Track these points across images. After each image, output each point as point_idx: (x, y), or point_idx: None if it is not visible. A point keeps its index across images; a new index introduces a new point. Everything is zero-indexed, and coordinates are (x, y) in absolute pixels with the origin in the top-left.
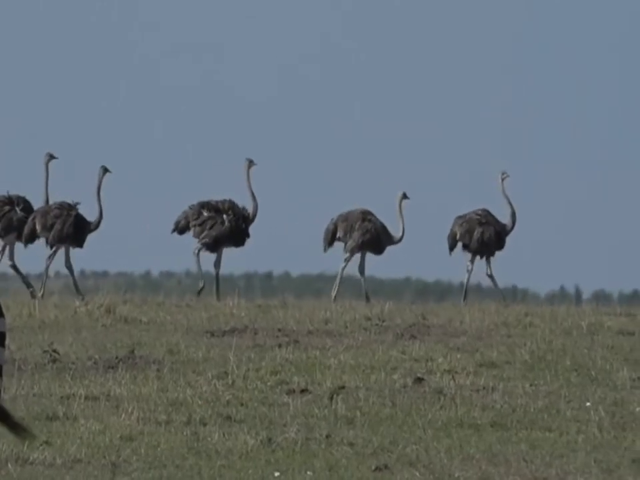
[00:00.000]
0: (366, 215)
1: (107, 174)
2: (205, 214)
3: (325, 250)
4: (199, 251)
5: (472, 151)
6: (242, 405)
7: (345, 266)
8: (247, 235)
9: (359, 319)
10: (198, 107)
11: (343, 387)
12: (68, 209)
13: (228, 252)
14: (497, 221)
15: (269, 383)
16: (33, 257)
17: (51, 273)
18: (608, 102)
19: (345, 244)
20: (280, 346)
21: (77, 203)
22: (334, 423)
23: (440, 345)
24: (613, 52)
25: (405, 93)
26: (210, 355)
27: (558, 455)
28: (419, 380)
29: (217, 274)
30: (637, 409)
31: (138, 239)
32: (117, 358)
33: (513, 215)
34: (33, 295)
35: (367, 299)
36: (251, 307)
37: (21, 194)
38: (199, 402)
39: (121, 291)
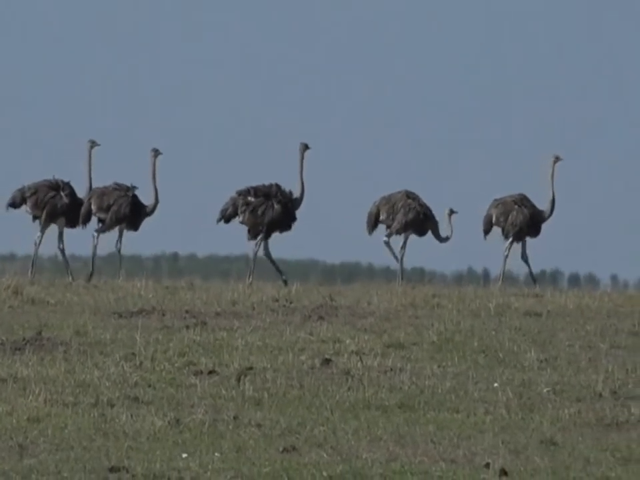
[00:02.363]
0: (409, 196)
1: (160, 156)
2: (253, 199)
3: (370, 233)
4: (258, 240)
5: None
6: (149, 386)
7: (404, 252)
8: (294, 219)
9: (266, 301)
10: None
11: (251, 368)
12: (126, 189)
13: (131, 233)
14: (533, 206)
15: (176, 364)
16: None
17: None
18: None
19: (388, 227)
20: (187, 327)
21: (135, 187)
22: (241, 404)
23: (347, 327)
24: None
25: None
26: (117, 337)
27: (465, 436)
28: (327, 361)
29: (272, 259)
30: (544, 390)
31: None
32: (24, 339)
33: (553, 201)
34: (73, 280)
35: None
36: (159, 288)
37: (66, 179)
38: (107, 383)
39: (28, 273)
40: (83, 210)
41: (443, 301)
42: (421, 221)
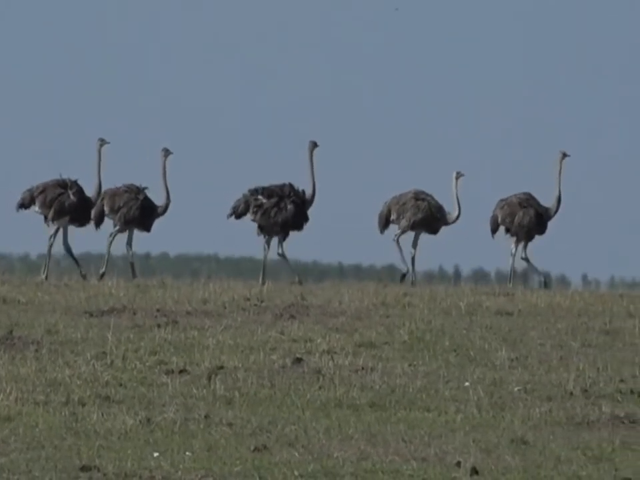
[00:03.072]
0: (419, 195)
1: (170, 155)
2: (265, 199)
3: (382, 232)
4: (269, 238)
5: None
6: (121, 385)
7: (415, 252)
8: (307, 219)
9: (237, 299)
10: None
11: (222, 367)
12: (136, 191)
13: (104, 232)
14: (539, 205)
15: (147, 363)
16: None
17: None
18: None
19: (399, 226)
20: (159, 326)
21: (145, 187)
22: (212, 403)
23: (319, 326)
24: None
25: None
26: (88, 335)
27: (437, 435)
28: (298, 360)
29: (285, 258)
30: (515, 389)
31: (16, 222)
32: None
33: (558, 198)
34: (84, 277)
35: (402, 280)
36: (130, 287)
37: (73, 178)
38: (78, 382)
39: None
40: (96, 211)
41: (414, 300)
42: (432, 220)
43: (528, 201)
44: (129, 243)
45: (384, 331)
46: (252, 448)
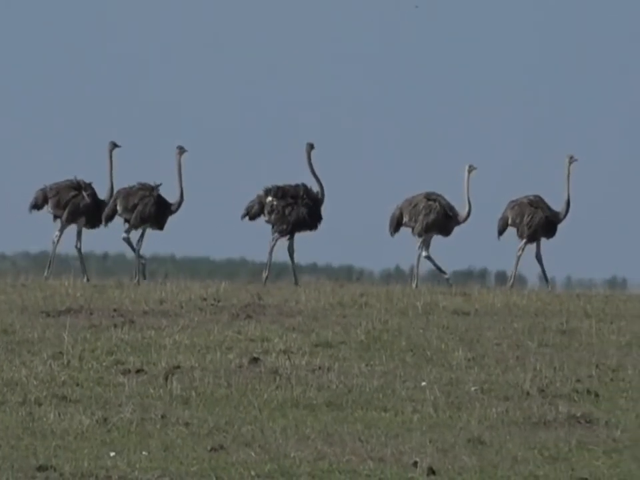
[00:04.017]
0: (430, 196)
1: (185, 153)
2: (279, 200)
3: (392, 235)
4: (277, 237)
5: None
6: (77, 385)
7: (421, 253)
8: (321, 219)
9: (194, 299)
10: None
11: (178, 367)
12: (150, 189)
13: (66, 231)
14: (549, 207)
15: (104, 363)
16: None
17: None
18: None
19: (412, 229)
20: (115, 326)
21: (159, 185)
22: (169, 403)
23: (275, 325)
24: None
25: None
26: (45, 335)
27: (393, 435)
28: (255, 360)
29: (292, 259)
30: (472, 389)
31: None
32: None
33: (568, 202)
34: (88, 280)
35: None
36: (87, 287)
37: (87, 180)
38: (34, 382)
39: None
40: (108, 210)
41: (371, 300)
42: (444, 222)
43: (538, 202)
44: (140, 240)
45: (341, 331)
46: (209, 448)
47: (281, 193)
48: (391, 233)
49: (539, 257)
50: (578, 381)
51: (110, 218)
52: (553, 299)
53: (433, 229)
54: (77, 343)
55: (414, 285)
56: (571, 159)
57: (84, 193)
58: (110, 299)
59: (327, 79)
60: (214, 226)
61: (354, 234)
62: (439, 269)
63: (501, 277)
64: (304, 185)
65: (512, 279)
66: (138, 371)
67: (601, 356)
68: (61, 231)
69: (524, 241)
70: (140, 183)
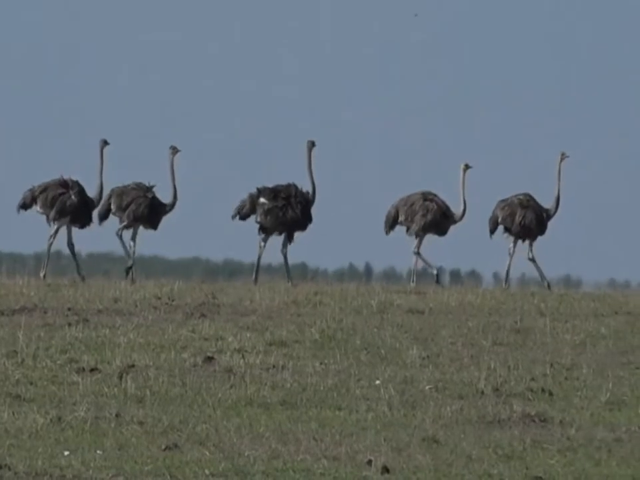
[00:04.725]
0: (427, 196)
1: (178, 153)
2: (271, 201)
3: (387, 234)
4: (265, 237)
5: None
6: (31, 383)
7: (417, 251)
8: (311, 220)
9: (148, 298)
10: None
11: (133, 366)
12: (144, 190)
13: (16, 230)
14: (539, 205)
15: (58, 362)
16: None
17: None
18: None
19: (407, 228)
20: (70, 325)
21: (153, 185)
22: (124, 401)
23: (230, 324)
24: None
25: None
26: None
27: (348, 434)
28: (209, 359)
29: (286, 257)
30: (427, 388)
31: None
32: None
33: (557, 199)
34: (83, 279)
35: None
36: (41, 285)
37: (74, 178)
38: None
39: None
40: (101, 209)
41: (325, 299)
42: (441, 222)
43: (528, 201)
44: (133, 239)
45: (295, 330)
46: (163, 447)
47: (273, 193)
48: (386, 231)
49: (532, 258)
50: (532, 379)
51: (104, 216)
52: (507, 297)
53: (429, 229)
54: (31, 342)
55: (412, 284)
56: (563, 156)
57: (71, 192)
58: (64, 297)
59: (320, 78)
60: (168, 225)
61: (308, 233)
62: (429, 265)
63: (456, 276)
64: (295, 185)
65: (507, 279)
66: (92, 370)
67: (555, 355)
68: (56, 230)
69: (514, 239)
70: (135, 183)
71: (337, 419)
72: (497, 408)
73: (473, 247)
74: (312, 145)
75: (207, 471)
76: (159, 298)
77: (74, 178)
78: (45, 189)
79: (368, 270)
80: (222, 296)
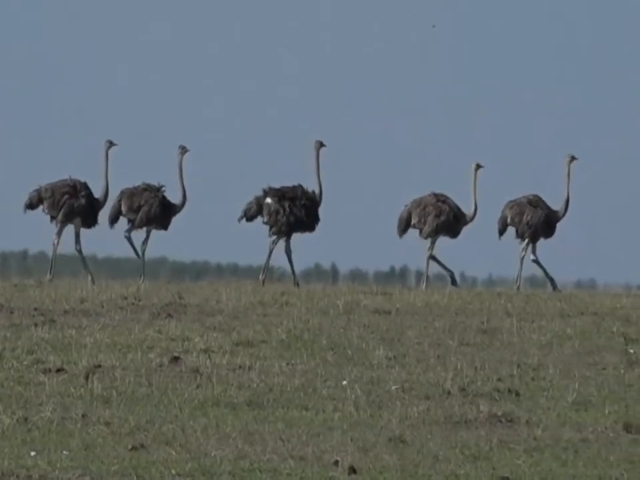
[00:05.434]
0: (439, 198)
1: (187, 153)
2: (278, 202)
3: (401, 236)
4: (276, 238)
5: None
6: None
7: (431, 253)
8: (318, 220)
9: (115, 299)
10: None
11: (99, 366)
12: (155, 190)
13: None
14: (547, 207)
15: (24, 362)
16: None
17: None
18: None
19: (420, 230)
20: (36, 325)
21: (162, 186)
22: (90, 402)
23: (196, 324)
24: None
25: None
26: None
27: (314, 434)
28: (176, 359)
29: (290, 259)
30: (393, 388)
31: None
32: None
33: (567, 201)
34: (93, 281)
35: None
36: (7, 285)
37: (82, 180)
38: None
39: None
40: (112, 210)
41: (292, 299)
42: (453, 223)
43: (537, 202)
44: (145, 242)
45: (262, 330)
46: (129, 447)
47: (279, 194)
48: (399, 234)
49: (535, 259)
50: (499, 379)
51: (115, 219)
52: (473, 297)
53: (442, 230)
54: None
55: (423, 287)
56: (572, 159)
57: (79, 194)
58: (30, 297)
59: (327, 78)
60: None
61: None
62: (443, 267)
63: (422, 277)
64: (301, 186)
65: (518, 281)
66: (58, 370)
67: (522, 355)
68: (60, 232)
69: (525, 241)
70: (145, 184)
71: (303, 419)
72: (464, 408)
73: (440, 248)
74: (320, 145)
75: (173, 471)
76: (126, 298)
77: (81, 179)
78: (52, 190)
79: (334, 270)
80: (188, 296)
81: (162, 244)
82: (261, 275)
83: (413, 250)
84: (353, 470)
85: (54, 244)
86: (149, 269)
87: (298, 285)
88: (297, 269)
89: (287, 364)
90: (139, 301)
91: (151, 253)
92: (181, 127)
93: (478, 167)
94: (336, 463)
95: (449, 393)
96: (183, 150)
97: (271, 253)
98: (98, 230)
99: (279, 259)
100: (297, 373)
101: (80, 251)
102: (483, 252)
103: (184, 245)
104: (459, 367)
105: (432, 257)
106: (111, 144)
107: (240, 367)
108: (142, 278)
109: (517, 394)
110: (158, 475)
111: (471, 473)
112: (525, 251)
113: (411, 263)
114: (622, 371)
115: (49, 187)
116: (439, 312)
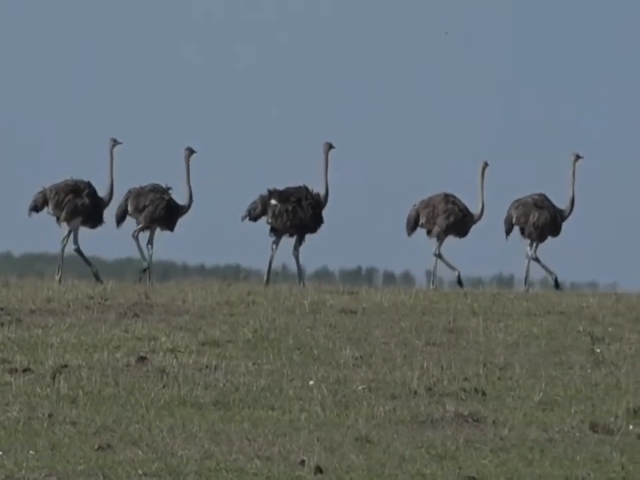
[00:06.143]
0: (448, 198)
1: (194, 155)
2: (282, 203)
3: (409, 235)
4: (277, 239)
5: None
6: None
7: (439, 253)
8: (322, 221)
9: (81, 298)
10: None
11: (66, 366)
12: (162, 191)
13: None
14: (553, 206)
15: None
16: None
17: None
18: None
19: (428, 231)
20: (2, 325)
21: (170, 187)
22: (56, 402)
23: (163, 324)
24: None
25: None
26: None
27: (281, 434)
28: (142, 359)
29: (297, 259)
30: (360, 388)
31: None
32: None
33: (572, 200)
34: (97, 278)
35: (460, 284)
36: None
37: (85, 179)
38: None
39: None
40: (119, 210)
41: (258, 299)
42: (461, 223)
43: (543, 201)
44: (150, 242)
45: (228, 330)
46: (96, 447)
47: (284, 195)
48: (408, 233)
49: (535, 257)
50: (465, 379)
51: (121, 218)
52: (440, 297)
53: (451, 230)
54: None
55: (432, 287)
56: (577, 157)
57: (82, 193)
58: None
59: (334, 79)
60: (106, 226)
61: (239, 234)
62: (450, 267)
63: (389, 277)
64: (306, 187)
65: (527, 281)
66: (25, 370)
67: (488, 354)
68: (69, 232)
69: (531, 241)
70: (152, 184)
71: (269, 419)
72: (430, 408)
73: (407, 249)
74: (329, 147)
75: (139, 471)
76: (92, 298)
77: (85, 179)
78: (56, 191)
79: (301, 270)
80: (155, 296)
81: (128, 244)
82: (265, 277)
83: (379, 250)
84: (319, 470)
85: (62, 244)
86: (115, 268)
87: (304, 285)
88: (264, 269)
89: (254, 364)
90: (106, 300)
91: (118, 253)
92: (188, 127)
93: (486, 165)
94: (302, 462)
95: (415, 392)
96: (190, 152)
97: (273, 254)
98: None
99: (238, 258)
100: (263, 373)
101: (78, 250)
102: (448, 251)
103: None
104: (425, 366)
105: (438, 256)
106: (115, 142)
107: (206, 367)
108: (149, 279)
109: (484, 393)
110: (124, 474)
111: (437, 473)
112: (533, 251)
113: (377, 263)
114: (588, 371)
115: (53, 187)
116: (405, 312)
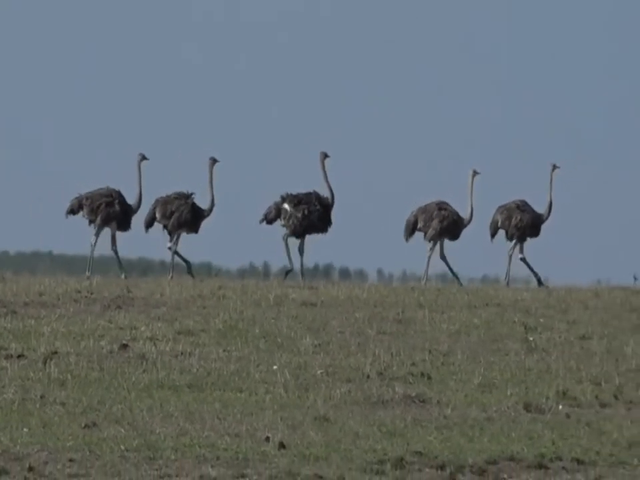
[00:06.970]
0: (442, 205)
1: (217, 164)
2: (294, 207)
3: (407, 240)
4: (287, 238)
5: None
6: None
7: (431, 254)
8: (331, 223)
9: (70, 292)
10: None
11: (56, 353)
12: (186, 197)
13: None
14: (533, 210)
15: None
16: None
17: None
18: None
19: (425, 233)
20: None
21: (192, 193)
22: (47, 384)
23: (143, 315)
24: None
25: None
26: None
27: (248, 413)
28: (124, 346)
29: (302, 258)
30: (318, 372)
31: None
32: None
33: (550, 205)
34: (125, 277)
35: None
36: None
37: (117, 188)
38: None
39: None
40: (147, 217)
41: (228, 293)
42: (454, 227)
43: (524, 206)
44: (175, 244)
45: (201, 320)
46: (83, 425)
47: (295, 200)
48: (406, 237)
49: (443, 257)
50: (413, 364)
51: (150, 224)
52: (390, 291)
53: (445, 233)
54: None
55: (423, 283)
56: (554, 167)
57: (115, 201)
58: None
59: (333, 87)
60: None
61: (213, 233)
62: (449, 267)
63: (345, 273)
64: (316, 193)
65: (507, 277)
66: (19, 356)
67: (433, 342)
68: (97, 234)
69: (514, 241)
70: (176, 192)
71: (238, 400)
72: (381, 390)
73: (360, 247)
74: (324, 156)
75: (122, 447)
76: (80, 292)
77: (117, 188)
78: (91, 198)
79: (266, 268)
80: (136, 290)
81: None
82: (283, 272)
83: (337, 248)
84: (282, 445)
85: (92, 244)
86: (100, 265)
87: (304, 280)
88: (234, 267)
89: (224, 350)
90: (92, 294)
91: (102, 250)
92: (188, 127)
93: (475, 173)
94: (267, 439)
95: (368, 376)
96: (213, 161)
97: (288, 251)
98: (85, 229)
99: (209, 257)
100: (233, 359)
101: (115, 251)
102: (397, 249)
103: (133, 243)
104: (377, 353)
105: (442, 258)
106: (143, 157)
107: (181, 354)
108: (170, 275)
109: (429, 377)
110: (108, 450)
111: (388, 448)
112: (513, 250)
113: (335, 260)
114: (522, 357)
115: (88, 194)
116: (359, 304)
